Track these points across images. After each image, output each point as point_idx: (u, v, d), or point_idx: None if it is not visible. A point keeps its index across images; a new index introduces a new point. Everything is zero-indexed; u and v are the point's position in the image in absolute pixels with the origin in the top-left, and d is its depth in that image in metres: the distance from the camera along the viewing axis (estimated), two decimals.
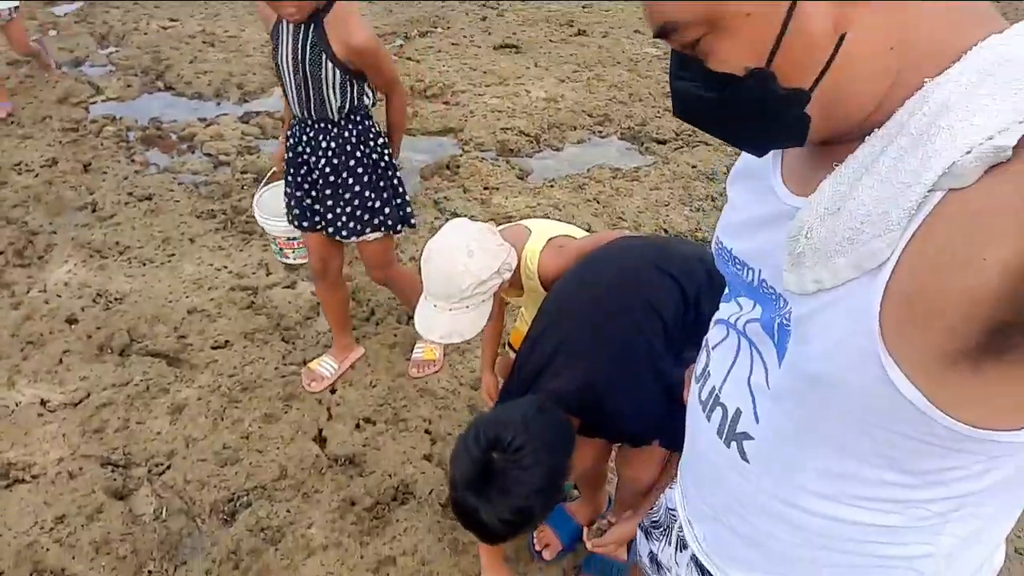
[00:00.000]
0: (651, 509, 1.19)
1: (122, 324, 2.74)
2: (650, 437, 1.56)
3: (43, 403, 2.41)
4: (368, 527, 2.08)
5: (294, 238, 2.55)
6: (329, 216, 2.20)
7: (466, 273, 1.58)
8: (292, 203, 2.27)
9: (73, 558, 1.94)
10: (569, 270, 1.76)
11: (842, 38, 0.58)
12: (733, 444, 0.80)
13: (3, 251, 3.12)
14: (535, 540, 2.03)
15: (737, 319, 0.82)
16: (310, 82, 2.01)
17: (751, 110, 0.63)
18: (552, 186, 3.86)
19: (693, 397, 0.91)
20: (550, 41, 5.84)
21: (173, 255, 3.17)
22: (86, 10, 6.09)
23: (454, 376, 2.61)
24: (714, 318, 0.91)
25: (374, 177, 2.18)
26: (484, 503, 1.33)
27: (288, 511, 2.11)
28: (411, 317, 2.88)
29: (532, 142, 4.34)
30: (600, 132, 4.53)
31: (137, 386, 2.48)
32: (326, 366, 2.56)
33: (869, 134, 0.61)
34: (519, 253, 1.74)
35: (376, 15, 6.22)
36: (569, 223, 2.10)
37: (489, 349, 2.07)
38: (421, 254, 1.68)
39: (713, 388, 0.85)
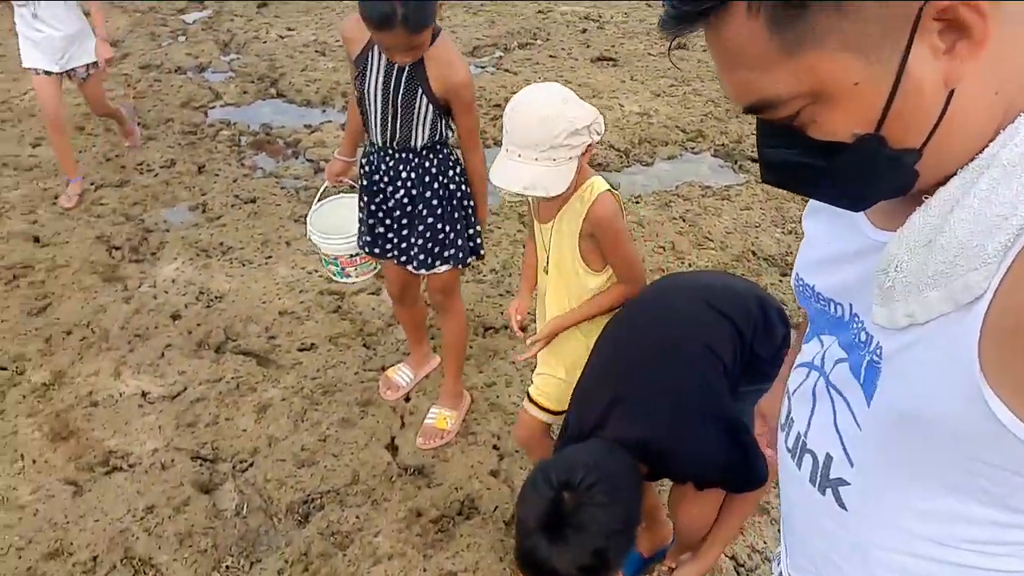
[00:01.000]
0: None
1: (220, 322, 2.91)
2: (715, 480, 1.53)
3: (144, 395, 2.59)
4: (432, 539, 2.12)
5: (356, 254, 2.40)
6: (403, 246, 2.21)
7: (560, 118, 1.51)
8: (364, 229, 2.25)
9: (159, 548, 2.08)
10: (617, 314, 1.73)
11: (951, 93, 0.56)
12: (828, 491, 0.77)
13: (120, 247, 3.37)
14: None
15: (822, 360, 0.80)
16: (400, 114, 2.01)
17: (858, 174, 0.62)
18: (638, 202, 3.81)
19: (780, 446, 0.89)
20: (648, 54, 5.75)
21: (270, 257, 3.34)
22: (213, 18, 6.50)
23: (525, 391, 2.62)
24: (796, 361, 0.88)
25: (449, 208, 2.15)
26: (559, 547, 1.29)
27: (357, 517, 2.17)
28: (484, 331, 2.91)
29: (621, 156, 4.29)
30: (693, 148, 4.42)
31: (228, 383, 2.63)
32: (403, 375, 2.63)
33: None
34: (585, 178, 1.68)
35: (478, 27, 6.32)
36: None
37: (530, 269, 1.97)
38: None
39: (799, 435, 0.83)
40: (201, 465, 2.33)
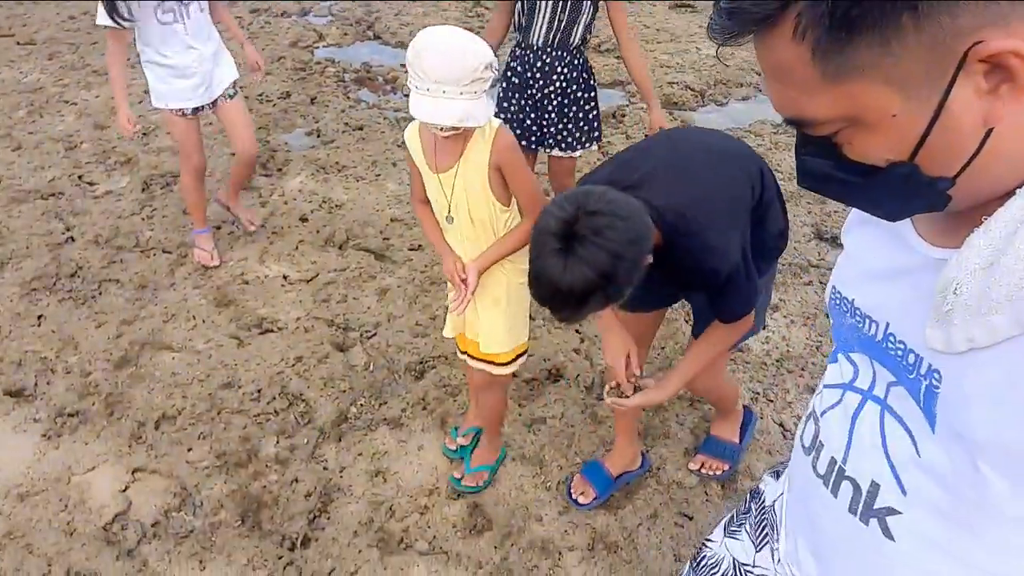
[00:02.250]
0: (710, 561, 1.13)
1: (341, 225, 3.40)
2: (718, 281, 1.50)
3: (284, 277, 3.10)
4: (525, 394, 2.57)
5: None
6: (552, 131, 2.68)
7: (475, 53, 1.57)
8: (512, 123, 2.70)
9: (308, 387, 2.59)
10: (661, 134, 1.83)
11: (989, 131, 0.56)
12: (873, 521, 0.74)
13: None
14: (572, 488, 2.18)
15: (865, 385, 0.78)
16: (567, 15, 2.48)
17: (891, 194, 0.62)
18: None
19: (805, 469, 0.85)
20: None
21: (379, 175, 3.80)
22: None
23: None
24: (822, 382, 0.88)
25: (593, 95, 2.68)
26: (568, 260, 1.28)
27: (463, 376, 2.64)
28: None
29: (697, 96, 4.57)
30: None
31: (352, 272, 3.12)
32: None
33: (1020, 185, 0.58)
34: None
35: None
36: None
37: (437, 228, 1.92)
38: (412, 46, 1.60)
39: (833, 460, 0.80)
40: (336, 331, 2.83)
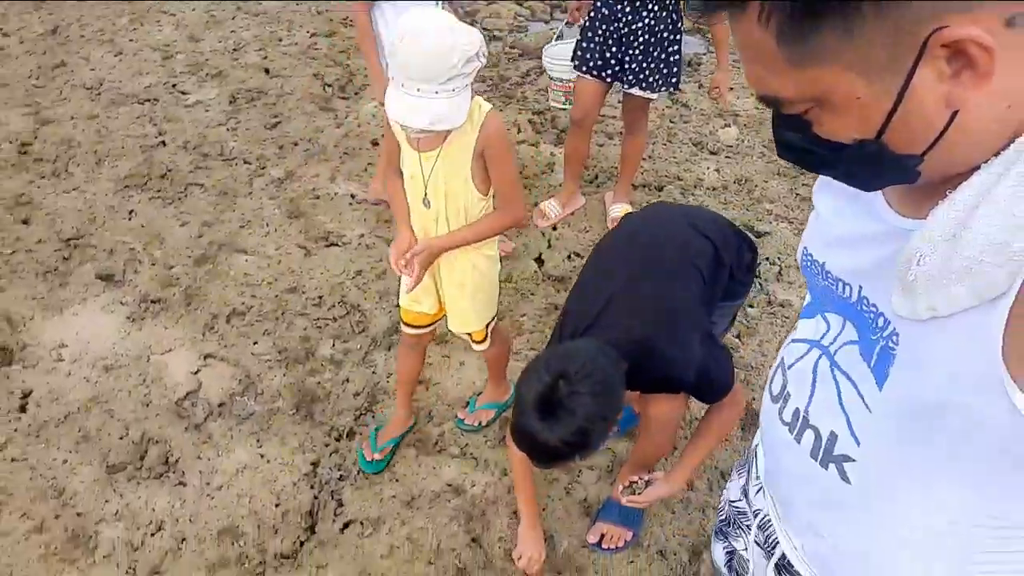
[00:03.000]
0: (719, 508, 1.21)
1: None
2: (689, 384, 1.64)
3: (352, 196, 3.28)
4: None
5: (572, 80, 3.04)
6: (634, 67, 2.71)
7: (455, 48, 1.47)
8: (594, 52, 2.74)
9: (364, 299, 2.78)
10: (611, 230, 1.92)
11: (954, 114, 0.57)
12: (832, 466, 0.79)
13: (331, 84, 4.05)
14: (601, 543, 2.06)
15: (829, 341, 0.82)
16: None
17: (862, 167, 0.65)
18: None
19: (772, 416, 0.90)
20: None
21: None
22: None
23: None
24: (791, 336, 0.91)
25: (678, 40, 2.71)
26: (548, 423, 1.43)
27: (509, 302, 2.78)
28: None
29: None
30: None
31: None
32: (552, 208, 3.16)
33: (986, 161, 0.59)
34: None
35: None
36: None
37: (403, 203, 1.85)
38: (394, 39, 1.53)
39: (798, 409, 0.84)
40: None
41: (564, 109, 3.57)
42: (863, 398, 0.74)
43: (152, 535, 2.06)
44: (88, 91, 3.83)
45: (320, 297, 2.78)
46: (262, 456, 2.26)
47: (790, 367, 0.88)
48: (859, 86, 0.58)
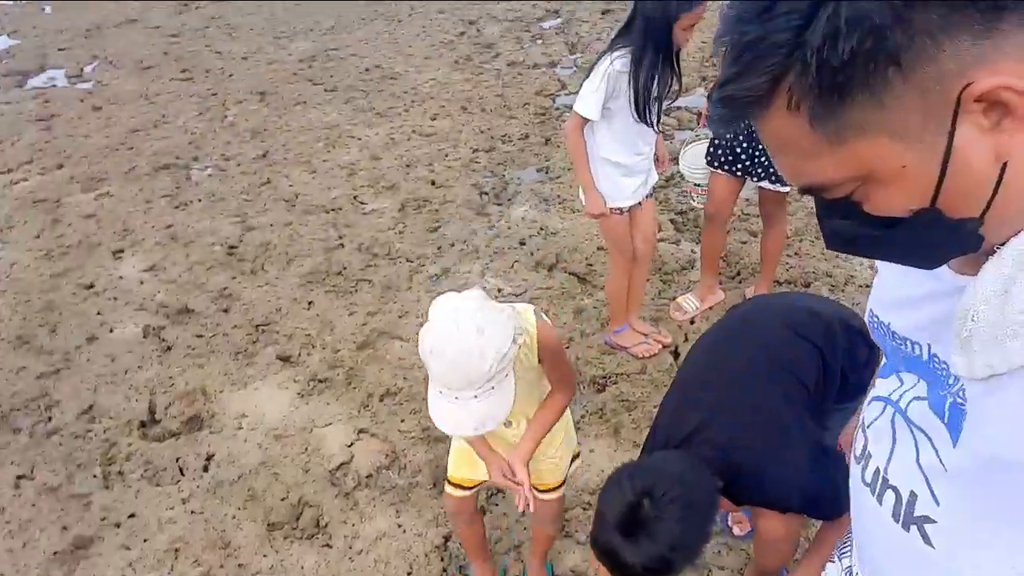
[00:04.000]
0: None
1: (553, 249, 3.76)
2: (796, 506, 1.54)
3: (499, 290, 3.52)
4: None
5: (705, 185, 3.10)
6: (764, 161, 2.73)
7: (486, 353, 1.38)
8: (725, 148, 2.81)
9: None
10: (701, 339, 1.81)
11: (1004, 166, 0.56)
12: (913, 528, 0.76)
13: (487, 192, 4.44)
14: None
15: (899, 397, 0.80)
16: None
17: (921, 241, 0.62)
18: None
19: (855, 479, 0.88)
20: None
21: None
22: (563, 25, 7.62)
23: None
24: (871, 394, 0.89)
25: None
26: (630, 545, 1.38)
27: (643, 393, 2.80)
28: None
29: None
30: None
31: (556, 291, 3.46)
32: (690, 302, 3.19)
33: None
34: None
35: None
36: None
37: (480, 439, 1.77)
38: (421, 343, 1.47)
39: (878, 469, 0.82)
40: None
41: (698, 207, 3.65)
42: (939, 456, 0.72)
43: None
44: (286, 203, 4.49)
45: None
46: (399, 526, 2.41)
47: (869, 426, 0.86)
48: (901, 154, 0.57)
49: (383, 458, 2.67)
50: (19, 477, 2.71)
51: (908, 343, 0.78)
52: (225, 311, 3.54)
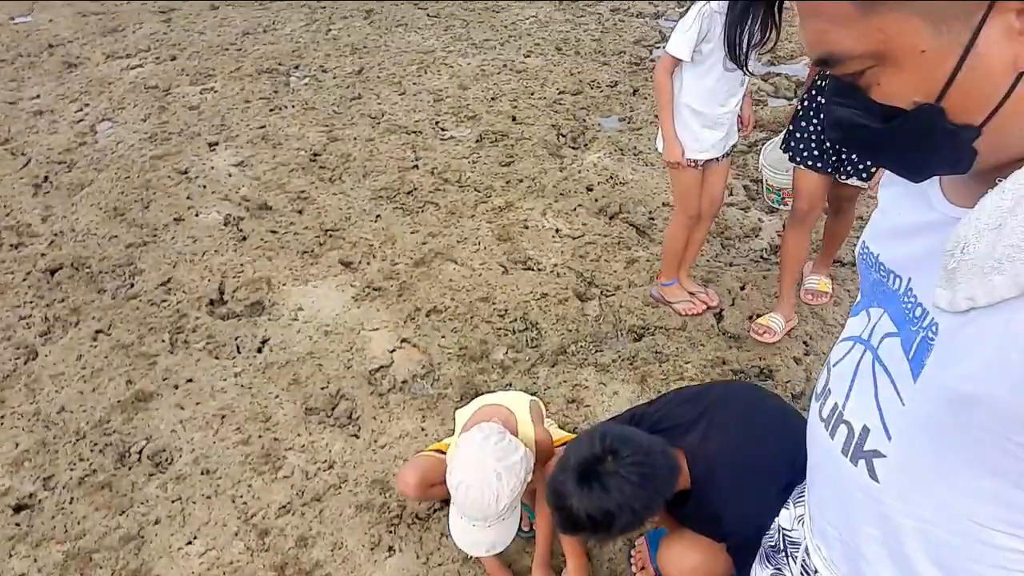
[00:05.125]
0: (768, 532, 1.15)
1: (618, 199, 3.77)
2: (737, 537, 1.54)
3: (556, 231, 3.58)
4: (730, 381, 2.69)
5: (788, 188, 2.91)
6: (854, 158, 2.53)
7: (500, 497, 1.72)
8: (809, 144, 2.58)
9: (543, 319, 3.03)
10: (715, 389, 1.88)
11: (1020, 76, 0.56)
12: (861, 462, 0.77)
13: (565, 135, 4.45)
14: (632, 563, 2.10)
15: (870, 335, 0.80)
16: None
17: (915, 143, 0.62)
18: None
19: (813, 416, 0.89)
20: None
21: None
22: None
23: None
24: (841, 337, 0.89)
25: None
26: (580, 491, 1.44)
27: (677, 348, 2.83)
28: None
29: None
30: None
31: (612, 239, 3.48)
32: (776, 322, 2.87)
33: None
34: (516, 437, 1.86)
35: None
36: None
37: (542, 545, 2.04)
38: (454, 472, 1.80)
39: (836, 405, 0.83)
40: (581, 282, 3.23)
41: (777, 209, 3.49)
42: (898, 391, 0.72)
43: (323, 470, 2.45)
44: (372, 120, 4.64)
45: (506, 310, 3.08)
46: (423, 430, 2.57)
47: (834, 365, 0.86)
48: (925, 38, 0.56)
49: (419, 367, 2.82)
50: (97, 331, 3.02)
51: (891, 276, 0.78)
52: (299, 212, 3.75)
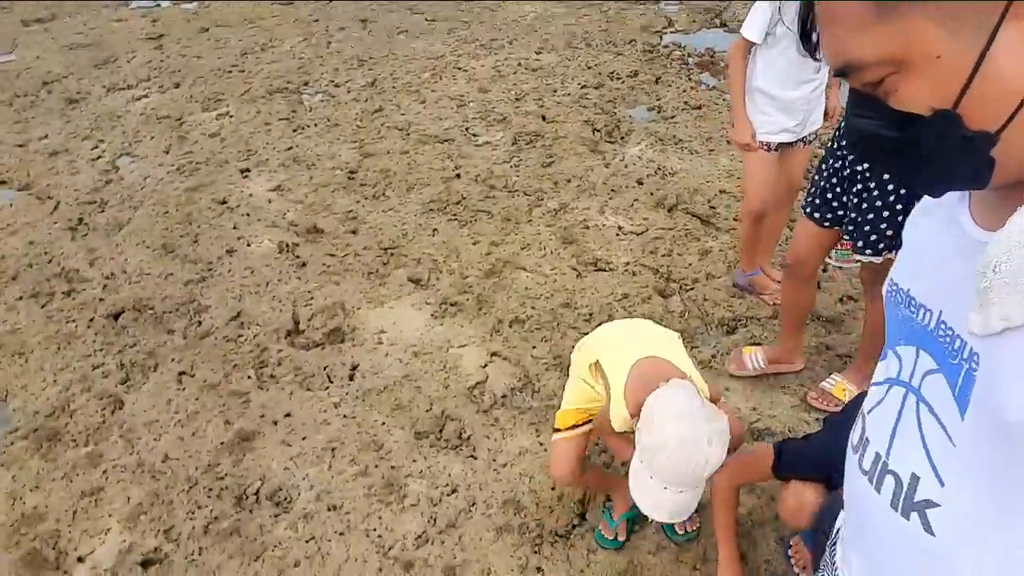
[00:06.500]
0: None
1: (672, 190, 3.77)
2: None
3: (619, 228, 3.57)
4: (835, 367, 2.70)
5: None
6: (858, 219, 2.17)
7: (708, 463, 1.53)
8: (814, 192, 2.30)
9: (632, 315, 3.01)
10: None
11: None
12: (913, 515, 0.72)
13: (599, 129, 4.44)
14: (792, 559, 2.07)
15: (908, 375, 0.76)
16: None
17: (932, 151, 0.62)
18: None
19: (852, 469, 0.84)
20: None
21: (712, 151, 4.09)
22: None
23: None
24: (873, 380, 0.86)
25: (906, 195, 2.07)
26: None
27: (774, 336, 2.84)
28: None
29: None
30: None
31: (679, 231, 3.48)
32: (753, 360, 2.66)
33: None
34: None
35: None
36: None
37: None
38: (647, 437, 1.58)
39: (878, 455, 0.78)
40: (659, 278, 3.22)
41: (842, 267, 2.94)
42: (947, 431, 0.68)
43: (447, 495, 2.42)
44: (400, 131, 4.57)
45: (590, 314, 3.06)
46: (541, 444, 2.55)
47: (869, 412, 0.82)
48: (940, 42, 0.57)
49: (516, 381, 2.79)
50: (180, 373, 2.93)
51: (922, 311, 0.75)
52: (353, 232, 3.68)
